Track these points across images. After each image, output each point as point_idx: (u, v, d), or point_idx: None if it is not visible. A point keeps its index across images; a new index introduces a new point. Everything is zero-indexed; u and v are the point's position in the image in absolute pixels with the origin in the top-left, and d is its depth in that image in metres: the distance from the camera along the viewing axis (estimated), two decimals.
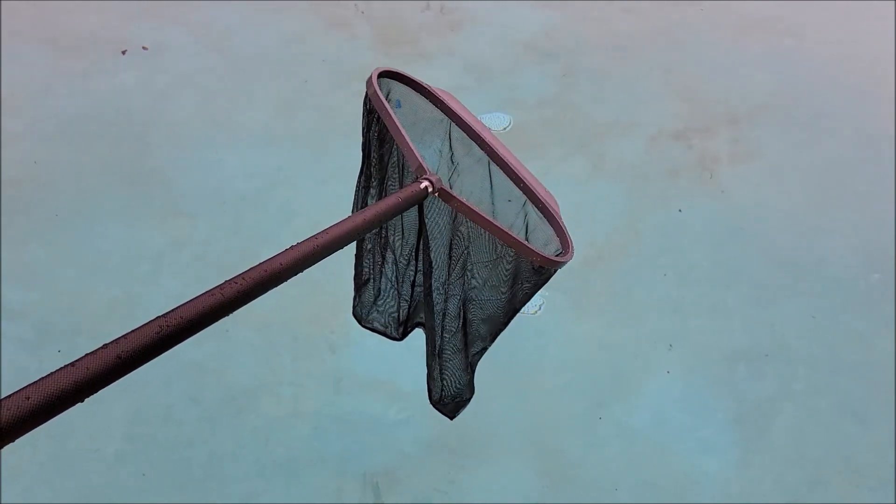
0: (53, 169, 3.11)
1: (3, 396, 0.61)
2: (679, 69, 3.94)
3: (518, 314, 1.44)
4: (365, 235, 1.58)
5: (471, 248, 1.33)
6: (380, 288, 1.63)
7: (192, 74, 3.70)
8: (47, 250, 2.77)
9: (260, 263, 0.82)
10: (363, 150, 1.46)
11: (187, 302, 0.74)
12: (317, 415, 2.30)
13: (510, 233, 1.27)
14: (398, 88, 1.45)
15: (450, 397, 1.62)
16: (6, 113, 3.37)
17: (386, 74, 1.40)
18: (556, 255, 1.34)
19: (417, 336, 1.65)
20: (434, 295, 1.43)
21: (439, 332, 1.49)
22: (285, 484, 2.12)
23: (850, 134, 3.54)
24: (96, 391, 0.65)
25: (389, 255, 1.55)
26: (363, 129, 1.43)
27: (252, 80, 3.71)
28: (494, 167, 1.48)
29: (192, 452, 2.18)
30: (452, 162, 1.49)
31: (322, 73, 3.77)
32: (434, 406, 1.66)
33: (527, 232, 1.42)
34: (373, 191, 1.47)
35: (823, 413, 2.37)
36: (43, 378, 0.62)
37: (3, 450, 0.61)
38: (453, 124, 1.50)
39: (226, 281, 0.78)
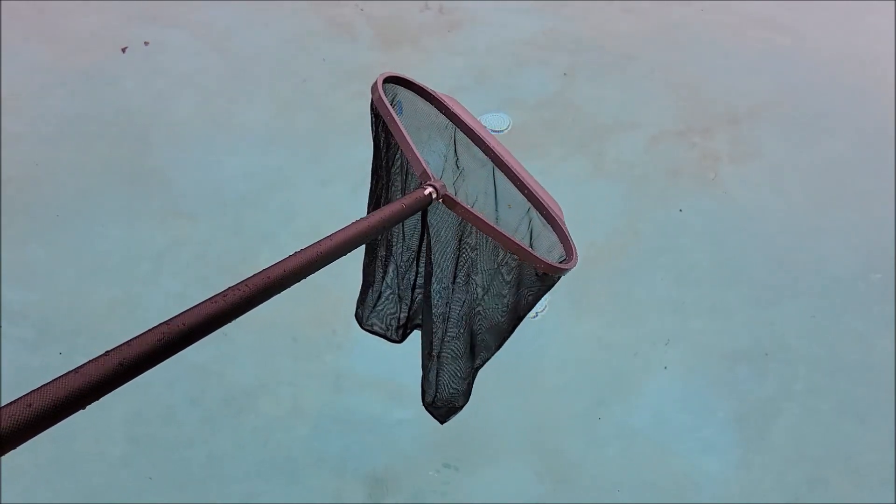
0: (53, 169, 3.11)
1: (4, 401, 0.61)
2: (679, 69, 3.94)
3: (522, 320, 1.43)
4: (374, 243, 1.59)
5: (474, 254, 1.33)
6: (381, 291, 1.64)
7: (192, 74, 3.70)
8: (47, 250, 2.77)
9: (263, 270, 0.82)
10: (374, 153, 1.46)
11: (189, 309, 0.74)
12: (317, 415, 2.30)
13: (514, 239, 1.27)
14: (403, 94, 1.45)
15: (443, 402, 1.62)
16: (6, 113, 3.37)
17: (391, 80, 1.40)
18: (560, 262, 1.33)
19: (417, 336, 1.65)
20: (434, 298, 1.43)
21: (439, 335, 1.49)
22: (285, 484, 2.12)
23: (850, 134, 3.54)
24: (98, 398, 0.65)
25: (391, 259, 1.56)
26: (372, 132, 1.43)
27: (252, 80, 3.71)
28: (498, 173, 1.48)
29: (192, 453, 2.18)
30: (457, 167, 1.50)
31: (322, 73, 3.77)
32: (426, 408, 1.67)
33: (531, 238, 1.42)
34: (383, 192, 1.47)
35: (823, 413, 2.37)
36: (45, 385, 0.62)
37: (32, 438, 0.61)
38: (458, 130, 1.50)
39: (228, 288, 0.78)
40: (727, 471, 2.22)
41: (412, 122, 1.37)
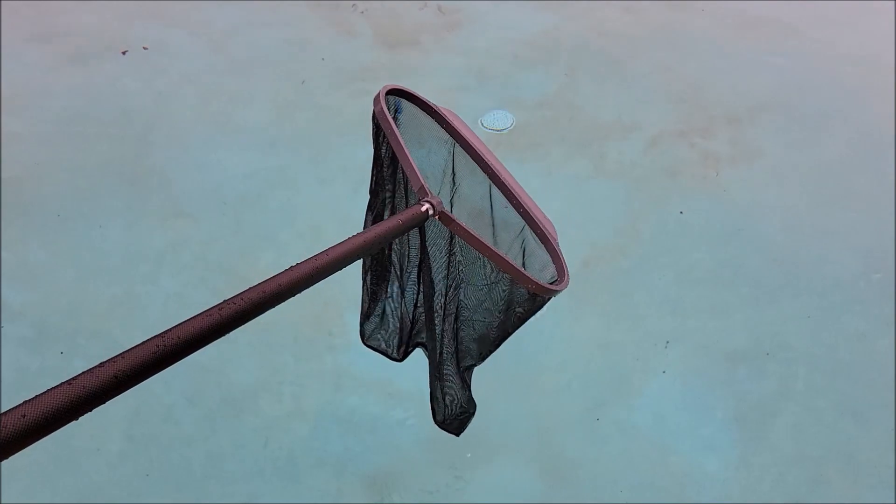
0: (54, 169, 3.11)
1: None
2: (679, 69, 3.94)
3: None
4: (374, 260, 1.60)
5: (466, 270, 1.34)
6: (383, 308, 1.65)
7: (192, 74, 3.70)
8: (47, 250, 2.77)
9: (259, 283, 0.83)
10: (374, 164, 1.47)
11: (185, 321, 0.75)
12: (317, 415, 2.30)
13: (507, 259, 1.27)
14: (404, 106, 1.46)
15: (453, 416, 1.63)
16: (6, 113, 3.37)
17: (393, 92, 1.41)
18: (551, 283, 1.34)
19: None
20: (436, 315, 1.44)
21: (440, 352, 1.50)
22: (285, 484, 2.13)
23: (850, 134, 3.54)
24: (92, 409, 0.65)
25: (392, 276, 1.56)
26: (374, 144, 1.44)
27: (252, 80, 3.71)
28: (495, 190, 1.49)
29: (192, 452, 2.18)
30: (454, 182, 1.50)
31: (322, 73, 3.77)
32: (439, 426, 1.67)
33: (524, 256, 1.42)
34: (382, 205, 1.48)
35: (823, 412, 2.37)
36: (39, 395, 0.62)
37: (24, 449, 0.62)
38: (457, 145, 1.51)
39: (224, 301, 0.78)
40: (727, 470, 2.22)
41: (412, 134, 1.37)
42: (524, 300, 1.32)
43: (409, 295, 1.57)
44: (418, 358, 1.64)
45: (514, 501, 2.13)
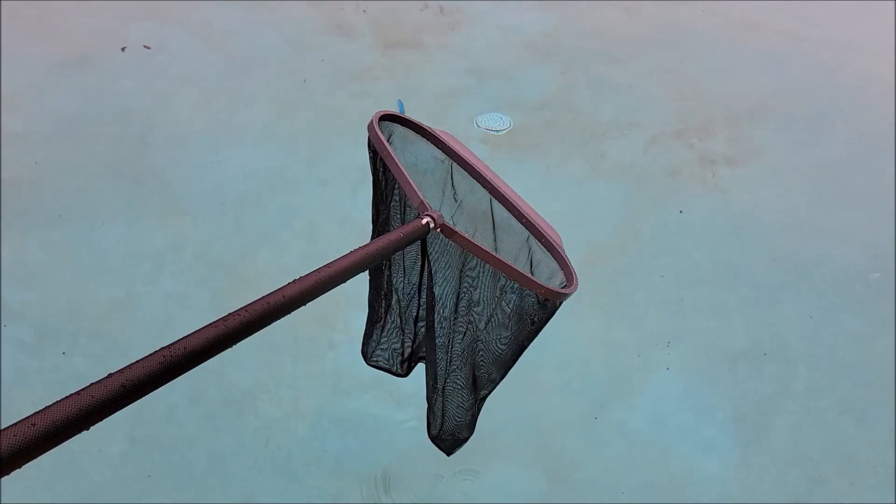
0: (54, 169, 3.11)
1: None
2: (679, 69, 3.94)
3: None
4: (377, 277, 1.60)
5: (475, 283, 1.34)
6: (384, 325, 1.65)
7: (192, 74, 3.70)
8: (47, 250, 2.77)
9: (263, 296, 0.85)
10: (374, 189, 1.47)
11: (191, 333, 0.77)
12: (317, 415, 2.30)
13: (514, 266, 1.27)
14: (399, 131, 1.46)
15: (448, 433, 1.63)
16: (6, 113, 3.37)
17: (386, 118, 1.42)
18: (561, 288, 1.34)
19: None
20: (437, 330, 1.44)
21: (443, 367, 1.50)
22: (285, 484, 2.13)
23: (850, 134, 3.54)
24: (101, 419, 0.67)
25: (394, 293, 1.56)
26: (372, 170, 1.45)
27: (252, 80, 3.71)
28: (496, 204, 1.49)
29: (192, 452, 2.19)
30: (455, 200, 1.51)
31: (322, 73, 3.77)
32: (432, 441, 1.67)
33: (531, 267, 1.42)
34: (382, 227, 1.49)
35: (823, 413, 2.37)
36: (49, 406, 0.64)
37: (34, 459, 0.62)
38: (454, 164, 1.51)
39: (229, 313, 0.80)
40: (727, 470, 2.22)
41: (408, 158, 1.38)
42: (535, 309, 1.32)
43: (410, 311, 1.57)
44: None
45: (515, 502, 2.13)
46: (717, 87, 3.80)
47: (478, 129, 3.44)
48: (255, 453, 2.19)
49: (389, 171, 1.36)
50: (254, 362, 2.42)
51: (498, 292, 1.32)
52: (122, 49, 3.79)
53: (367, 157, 1.48)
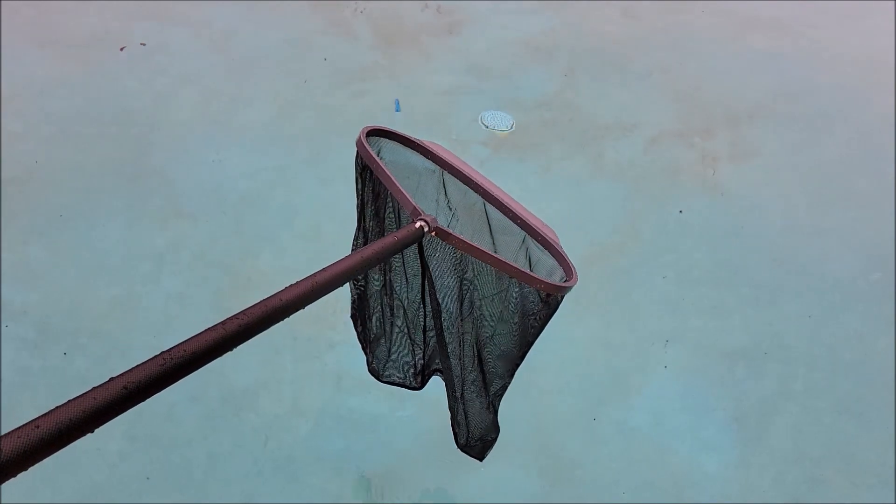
0: (54, 169, 3.11)
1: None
2: (679, 70, 3.94)
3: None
4: (374, 294, 1.61)
5: (477, 285, 1.34)
6: (392, 340, 1.65)
7: (192, 74, 3.70)
8: (48, 250, 2.77)
9: (261, 300, 0.87)
10: (358, 210, 1.48)
11: (192, 337, 0.78)
12: (317, 414, 2.30)
13: (512, 263, 1.27)
14: (387, 145, 1.47)
15: (476, 439, 1.63)
16: (6, 113, 3.37)
17: (374, 133, 1.43)
18: (561, 282, 1.34)
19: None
20: (446, 336, 1.44)
21: (458, 373, 1.50)
22: (285, 483, 2.13)
23: (850, 134, 3.54)
24: (104, 422, 0.68)
25: (398, 306, 1.56)
26: (357, 188, 1.45)
27: (252, 80, 3.71)
28: (490, 208, 1.50)
29: (192, 451, 2.19)
30: (450, 209, 1.51)
31: (322, 73, 3.77)
32: (462, 450, 1.67)
33: (530, 265, 1.42)
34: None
35: (823, 412, 2.37)
36: (52, 410, 0.65)
37: (37, 463, 0.63)
38: (445, 173, 1.52)
39: (228, 317, 0.82)
40: (726, 470, 2.22)
41: (399, 171, 1.38)
42: (537, 305, 1.32)
43: (417, 321, 1.57)
44: None
45: (514, 501, 2.14)
46: (717, 87, 3.80)
47: (478, 130, 3.44)
48: (255, 452, 2.19)
49: (380, 184, 1.36)
50: (254, 361, 2.42)
51: (500, 292, 1.33)
52: (122, 49, 3.79)
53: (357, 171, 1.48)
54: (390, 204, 1.40)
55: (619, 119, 3.58)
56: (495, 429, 1.63)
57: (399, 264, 1.49)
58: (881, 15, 4.44)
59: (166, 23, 4.05)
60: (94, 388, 0.68)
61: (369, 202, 1.44)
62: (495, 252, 1.44)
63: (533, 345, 1.42)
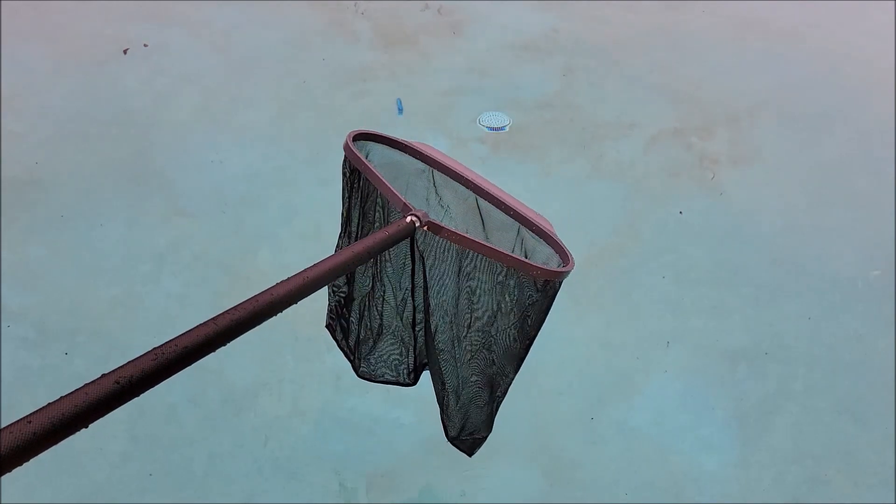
0: (54, 169, 3.11)
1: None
2: (679, 69, 3.94)
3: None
4: (351, 297, 1.61)
5: (473, 278, 1.34)
6: (382, 339, 1.65)
7: (192, 74, 3.70)
8: (48, 250, 2.77)
9: (253, 296, 0.87)
10: (344, 215, 1.48)
11: (183, 333, 0.78)
12: (317, 414, 2.30)
13: (506, 252, 1.27)
14: (375, 149, 1.47)
15: (467, 433, 1.63)
16: (6, 113, 3.37)
17: (361, 136, 1.43)
18: (558, 268, 1.34)
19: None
20: (438, 332, 1.44)
21: (451, 367, 1.49)
22: (285, 483, 2.13)
23: (850, 134, 3.54)
24: (97, 418, 0.68)
25: (388, 305, 1.56)
26: (344, 193, 1.46)
27: (252, 80, 3.71)
28: (483, 202, 1.49)
29: (192, 451, 2.19)
30: (441, 207, 1.51)
31: (322, 73, 3.77)
32: (451, 442, 1.67)
33: (526, 256, 1.42)
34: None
35: (823, 412, 2.38)
36: (45, 406, 0.65)
37: (31, 459, 0.63)
38: (435, 171, 1.52)
39: (220, 313, 0.81)
40: (726, 470, 2.22)
41: (388, 173, 1.38)
42: (535, 294, 1.31)
43: (406, 317, 1.57)
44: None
45: (514, 501, 2.14)
46: (717, 87, 3.80)
47: (478, 130, 3.44)
48: (255, 452, 2.19)
49: (369, 187, 1.36)
50: (254, 361, 2.42)
51: (496, 283, 1.32)
52: (125, 51, 3.79)
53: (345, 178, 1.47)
54: (379, 206, 1.40)
55: (619, 119, 3.58)
56: (488, 427, 1.63)
57: (388, 262, 1.49)
58: (881, 15, 4.44)
59: (166, 23, 4.05)
60: (87, 384, 0.68)
61: (357, 205, 1.44)
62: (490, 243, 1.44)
63: (535, 338, 1.41)
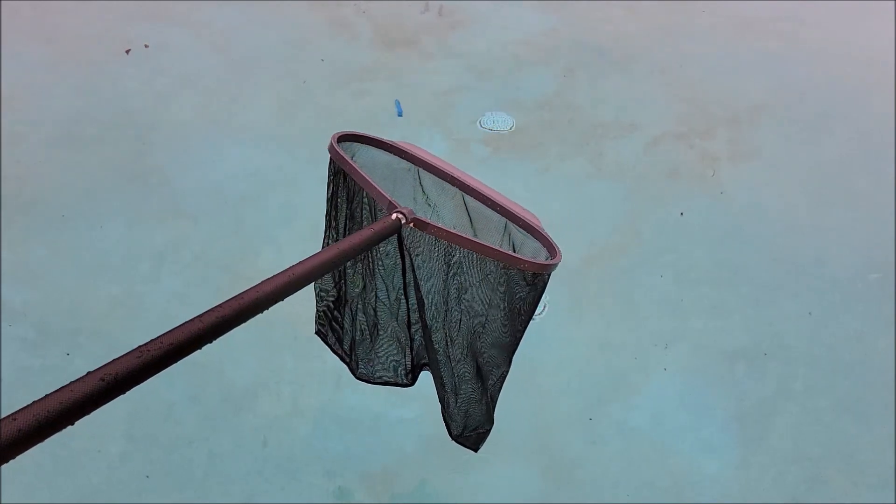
0: (54, 169, 3.11)
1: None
2: (679, 69, 3.94)
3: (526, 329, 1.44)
4: (342, 301, 1.60)
5: (461, 273, 1.34)
6: (378, 341, 1.65)
7: (192, 74, 3.70)
8: (48, 250, 2.77)
9: (239, 294, 0.87)
10: (328, 216, 1.49)
11: (169, 330, 0.78)
12: (317, 414, 2.30)
13: (493, 246, 1.28)
14: (360, 150, 1.47)
15: (470, 430, 1.63)
16: (6, 113, 3.37)
17: (345, 138, 1.44)
18: (545, 261, 1.34)
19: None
20: (432, 329, 1.44)
21: (447, 365, 1.49)
22: (285, 483, 2.13)
23: (850, 134, 3.54)
24: (83, 415, 0.68)
25: (381, 305, 1.56)
26: (329, 194, 1.46)
27: (252, 80, 3.71)
28: (469, 199, 1.50)
29: (192, 451, 2.19)
30: (429, 205, 1.51)
31: (322, 73, 3.77)
32: (456, 441, 1.67)
33: (514, 250, 1.43)
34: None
35: (823, 412, 2.37)
36: (30, 404, 0.65)
37: (15, 457, 0.63)
38: (421, 170, 1.52)
39: (206, 310, 0.81)
40: (726, 470, 2.22)
41: (373, 174, 1.39)
42: (523, 288, 1.32)
43: (401, 317, 1.57)
44: None
45: (514, 501, 2.14)
46: (717, 87, 3.80)
47: (478, 130, 3.44)
48: (255, 452, 2.19)
49: (354, 187, 1.37)
50: (254, 361, 2.42)
51: (485, 278, 1.33)
52: (127, 52, 3.79)
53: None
54: (366, 206, 1.40)
55: (619, 119, 3.57)
56: (489, 420, 1.63)
57: (379, 262, 1.50)
58: (881, 15, 4.44)
59: (166, 23, 4.05)
60: (72, 381, 0.68)
61: (342, 206, 1.44)
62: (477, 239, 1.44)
63: (525, 331, 1.41)
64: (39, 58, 3.73)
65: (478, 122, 3.48)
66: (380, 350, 1.66)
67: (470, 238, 1.27)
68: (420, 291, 1.39)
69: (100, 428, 2.23)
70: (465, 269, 1.32)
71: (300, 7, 4.27)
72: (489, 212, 1.47)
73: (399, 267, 1.43)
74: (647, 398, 2.39)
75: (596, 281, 2.75)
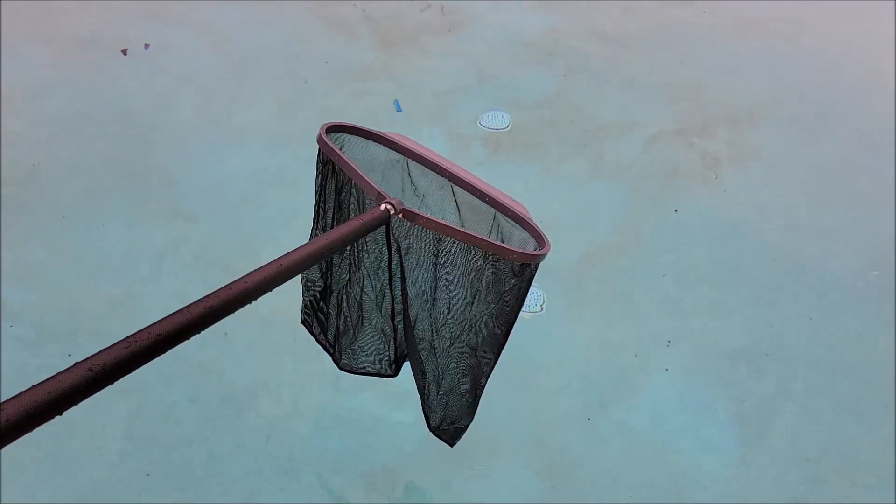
0: (54, 169, 3.11)
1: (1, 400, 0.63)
2: (679, 69, 3.94)
3: (518, 320, 1.43)
4: (328, 291, 1.60)
5: (449, 264, 1.34)
6: (362, 331, 1.65)
7: (192, 74, 3.70)
8: (48, 250, 2.77)
9: (227, 284, 0.87)
10: (316, 207, 1.48)
11: (157, 321, 0.78)
12: (317, 414, 2.30)
13: (481, 237, 1.27)
14: (349, 140, 1.47)
15: (448, 423, 1.63)
16: (6, 113, 3.37)
17: (334, 129, 1.43)
18: (534, 251, 1.34)
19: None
20: (417, 321, 1.44)
21: (430, 355, 1.49)
22: (285, 483, 2.13)
23: (850, 134, 3.54)
24: (71, 405, 0.68)
25: (366, 296, 1.56)
26: (318, 185, 1.46)
27: (252, 80, 3.71)
28: (459, 190, 1.50)
29: (192, 451, 2.19)
30: (417, 196, 1.51)
31: (322, 73, 3.77)
32: (433, 432, 1.67)
33: (502, 241, 1.43)
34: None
35: (823, 412, 2.37)
36: (18, 394, 0.65)
37: (3, 448, 0.63)
38: (409, 161, 1.52)
39: (194, 301, 0.82)
40: (727, 470, 2.22)
41: (362, 165, 1.39)
42: (511, 278, 1.31)
43: (385, 308, 1.57)
44: None
45: (514, 501, 2.14)
46: (716, 87, 3.80)
47: (478, 130, 3.44)
48: (255, 452, 2.19)
49: (343, 178, 1.37)
50: (254, 361, 2.43)
51: (473, 268, 1.32)
52: (124, 52, 3.79)
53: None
54: (354, 197, 1.40)
55: (619, 119, 3.57)
56: (469, 414, 1.63)
57: (366, 253, 1.49)
58: (881, 15, 4.44)
59: (166, 23, 4.05)
60: (60, 372, 0.68)
61: (331, 197, 1.44)
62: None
63: (514, 323, 1.41)
64: (39, 58, 3.73)
65: (477, 121, 3.48)
66: (364, 340, 1.66)
67: (459, 228, 1.27)
68: (406, 282, 1.38)
69: (100, 427, 2.23)
70: (453, 259, 1.32)
71: (300, 7, 4.27)
72: (478, 202, 1.47)
73: (385, 258, 1.43)
74: (647, 398, 2.39)
75: (596, 281, 2.75)
